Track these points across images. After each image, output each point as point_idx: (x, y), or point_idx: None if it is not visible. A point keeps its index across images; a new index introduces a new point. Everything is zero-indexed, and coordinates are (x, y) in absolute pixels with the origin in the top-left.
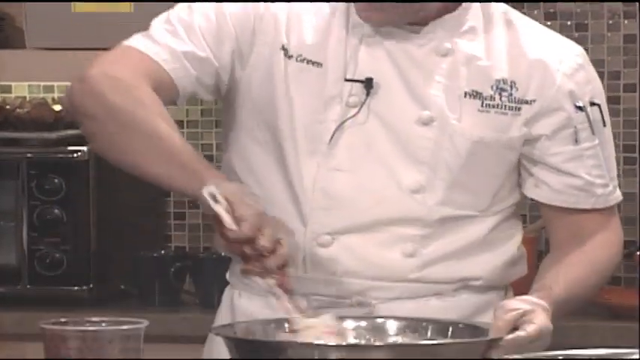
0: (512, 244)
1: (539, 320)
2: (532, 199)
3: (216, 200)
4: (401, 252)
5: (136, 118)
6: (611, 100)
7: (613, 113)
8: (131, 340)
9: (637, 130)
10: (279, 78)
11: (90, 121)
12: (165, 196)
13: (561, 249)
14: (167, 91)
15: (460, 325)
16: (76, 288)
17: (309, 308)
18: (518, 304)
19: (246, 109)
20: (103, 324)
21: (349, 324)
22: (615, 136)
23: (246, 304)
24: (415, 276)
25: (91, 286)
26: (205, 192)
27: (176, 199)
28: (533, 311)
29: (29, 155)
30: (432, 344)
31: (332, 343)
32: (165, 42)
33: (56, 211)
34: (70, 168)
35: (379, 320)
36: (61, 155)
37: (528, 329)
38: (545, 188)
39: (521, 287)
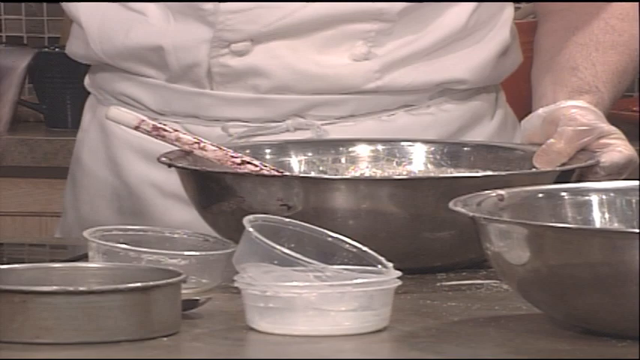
0: (502, 26)
1: (626, 145)
2: None
3: None
4: (349, 54)
5: None
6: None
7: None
8: None
9: None
10: None
11: None
12: None
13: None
14: None
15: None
16: None
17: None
18: (593, 118)
19: None
20: None
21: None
22: None
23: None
24: (375, 85)
25: None
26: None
27: None
28: (612, 133)
29: None
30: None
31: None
32: None
33: None
34: None
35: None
36: None
37: (613, 157)
38: None
39: (514, 87)
